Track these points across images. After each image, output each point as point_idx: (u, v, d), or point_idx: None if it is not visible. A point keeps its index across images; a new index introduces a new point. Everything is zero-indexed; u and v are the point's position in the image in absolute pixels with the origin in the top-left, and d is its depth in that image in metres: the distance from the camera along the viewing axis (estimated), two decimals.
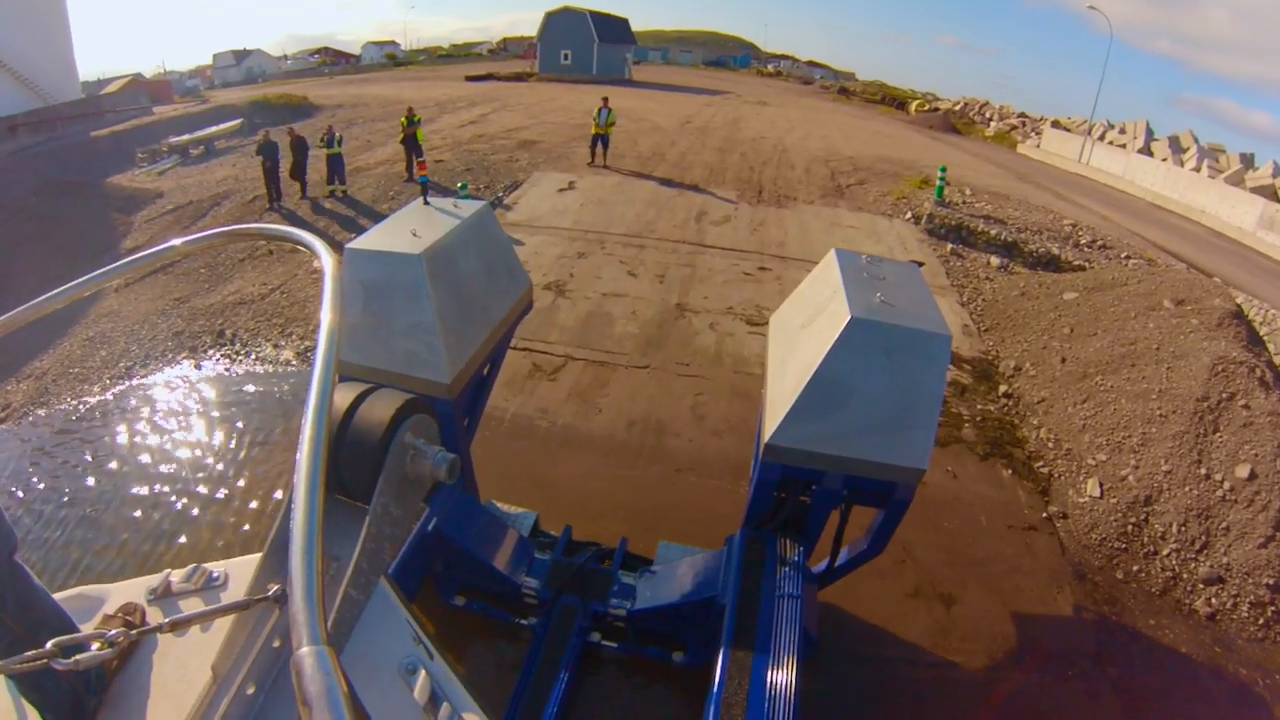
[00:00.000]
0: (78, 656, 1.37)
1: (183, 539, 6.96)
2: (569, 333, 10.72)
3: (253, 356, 10.39)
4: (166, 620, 1.58)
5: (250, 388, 9.70)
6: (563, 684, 4.92)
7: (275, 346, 10.59)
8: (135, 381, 9.96)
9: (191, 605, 1.96)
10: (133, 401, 9.45)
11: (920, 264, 13.51)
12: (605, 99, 20.53)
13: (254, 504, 7.42)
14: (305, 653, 0.98)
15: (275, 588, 1.71)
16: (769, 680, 3.84)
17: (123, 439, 8.65)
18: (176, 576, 2.06)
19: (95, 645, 1.48)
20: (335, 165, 17.49)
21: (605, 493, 7.37)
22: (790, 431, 4.34)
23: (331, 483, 1.92)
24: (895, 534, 4.85)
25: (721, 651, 4.04)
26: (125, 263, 2.22)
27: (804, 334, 4.81)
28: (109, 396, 9.62)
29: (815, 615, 4.60)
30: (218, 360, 10.37)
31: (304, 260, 13.25)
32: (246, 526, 7.10)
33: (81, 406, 9.43)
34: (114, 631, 1.51)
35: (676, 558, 5.76)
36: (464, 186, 17.05)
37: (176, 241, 2.21)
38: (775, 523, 5.02)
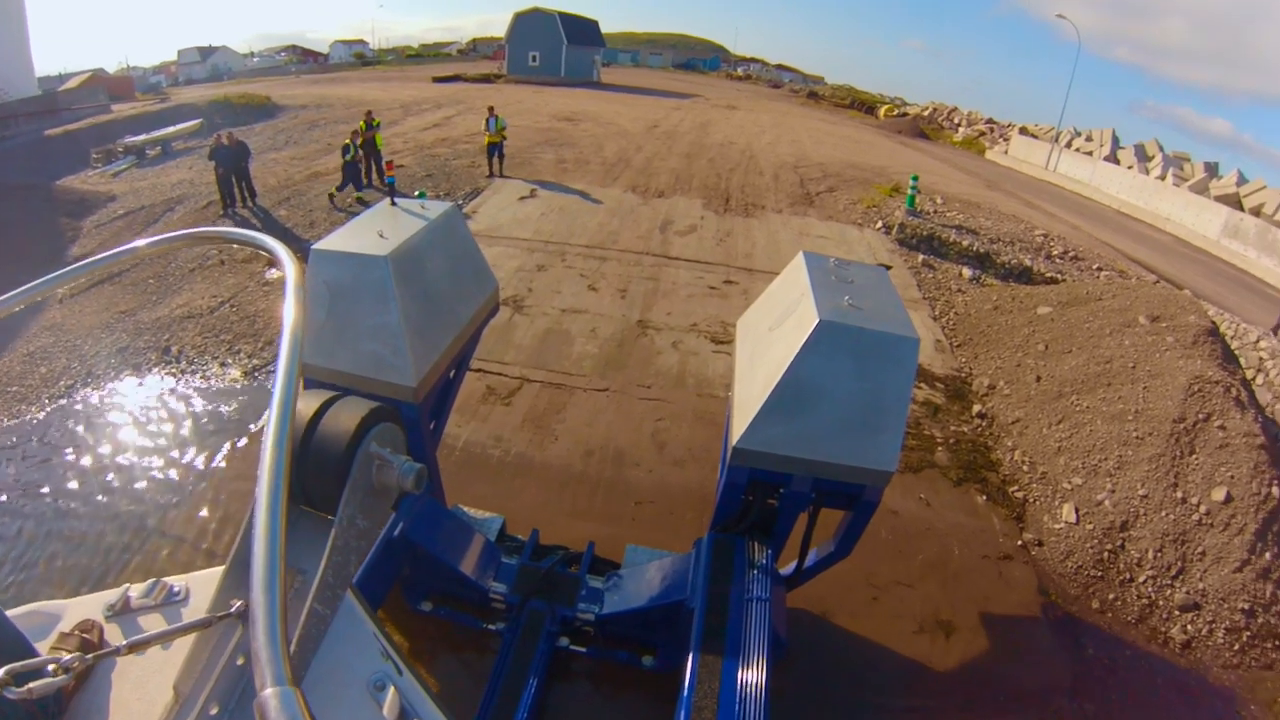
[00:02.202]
0: (31, 685, 1.28)
1: (132, 558, 6.63)
2: (525, 352, 10.25)
3: (199, 375, 9.82)
4: (125, 642, 1.47)
5: (196, 406, 9.15)
6: (532, 689, 4.89)
7: (222, 365, 10.00)
8: (76, 399, 9.37)
9: (151, 621, 1.88)
10: (72, 422, 8.89)
11: (888, 267, 13.33)
12: (491, 108, 19.62)
13: (200, 524, 7.07)
14: (269, 694, 0.94)
15: (238, 603, 1.65)
16: (740, 683, 3.84)
17: (64, 459, 8.14)
18: (135, 591, 1.95)
19: (51, 668, 1.37)
20: (352, 173, 17.06)
21: (563, 527, 6.91)
22: (758, 434, 4.34)
23: (296, 494, 1.89)
24: (868, 571, 5.20)
25: (691, 655, 4.04)
26: (86, 264, 2.08)
27: (772, 336, 4.81)
28: (44, 416, 9.06)
29: (784, 617, 4.59)
30: (163, 378, 9.79)
31: (255, 272, 12.71)
32: (201, 546, 6.81)
33: (20, 426, 8.87)
34: (69, 656, 1.39)
35: (644, 561, 5.80)
36: (422, 195, 16.45)
37: (140, 243, 2.09)
38: (743, 525, 5.00)
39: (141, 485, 7.67)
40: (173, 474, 7.83)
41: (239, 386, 9.58)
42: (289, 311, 1.57)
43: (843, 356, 4.23)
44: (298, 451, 1.83)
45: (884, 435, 4.30)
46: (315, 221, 15.77)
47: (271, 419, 1.29)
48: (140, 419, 8.90)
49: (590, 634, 5.48)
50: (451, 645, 5.70)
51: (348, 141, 16.95)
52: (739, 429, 4.42)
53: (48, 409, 9.16)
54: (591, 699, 5.51)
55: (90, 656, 1.44)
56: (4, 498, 7.49)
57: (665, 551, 5.98)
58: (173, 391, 9.50)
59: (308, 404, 1.91)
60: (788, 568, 5.38)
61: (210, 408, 9.10)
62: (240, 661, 1.64)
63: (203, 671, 1.63)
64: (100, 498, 7.49)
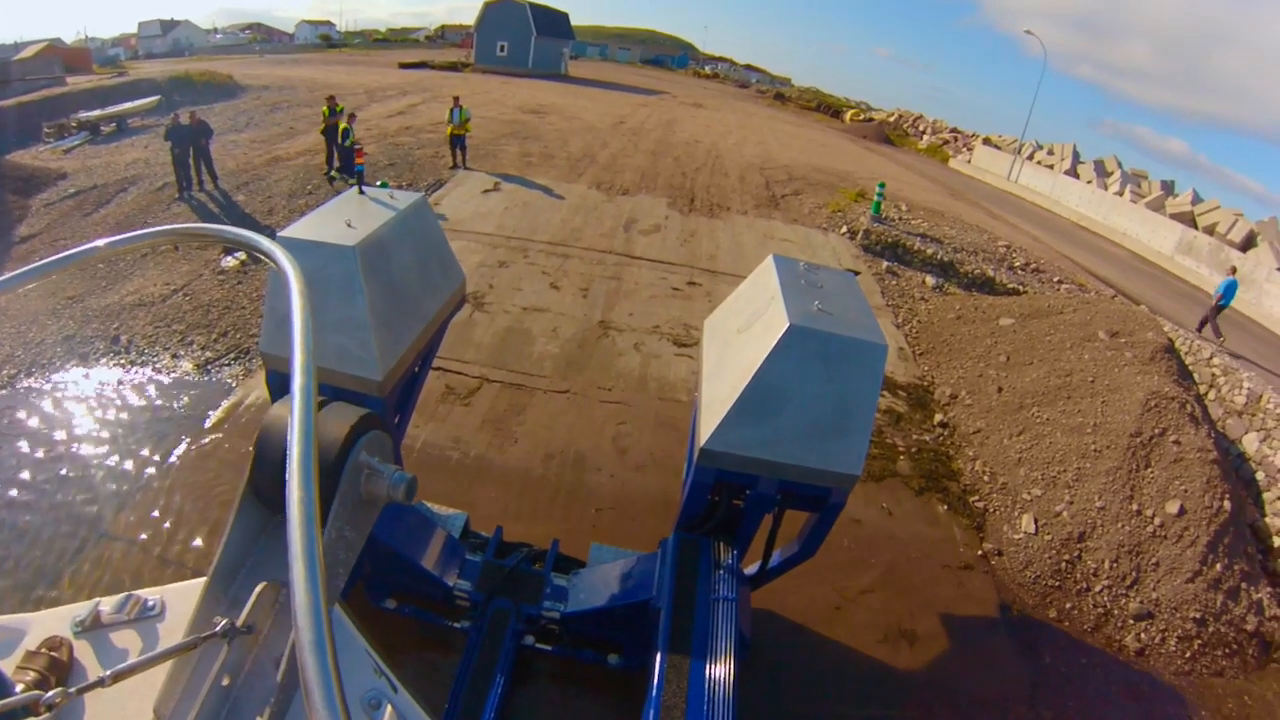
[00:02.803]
0: None
1: (80, 564, 6.35)
2: (485, 351, 10.02)
3: (149, 367, 9.45)
4: (109, 672, 1.37)
5: (147, 399, 8.82)
6: (499, 688, 4.88)
7: (174, 356, 9.65)
8: (19, 388, 8.99)
9: (124, 638, 1.77)
10: (15, 414, 8.53)
11: (856, 272, 13.32)
12: (456, 98, 19.34)
13: (153, 527, 6.80)
14: None
15: (223, 621, 1.55)
16: (707, 682, 3.86)
17: (8, 453, 7.80)
18: (107, 606, 1.83)
19: (23, 695, 1.32)
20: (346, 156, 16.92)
21: (520, 534, 6.74)
22: (726, 436, 4.34)
23: (278, 504, 1.74)
24: (831, 579, 5.23)
25: (659, 654, 4.05)
26: (53, 261, 1.87)
27: (741, 338, 4.81)
28: None
29: (749, 617, 4.66)
30: (110, 369, 9.41)
31: (210, 259, 12.30)
32: (154, 551, 6.55)
33: None
34: (51, 693, 1.31)
35: (609, 560, 5.83)
36: (384, 185, 16.09)
37: (100, 242, 1.94)
38: (709, 526, 5.02)
39: (86, 483, 7.38)
40: (120, 471, 7.54)
41: (191, 379, 9.25)
42: (297, 324, 1.41)
43: (812, 361, 4.25)
44: (282, 461, 1.65)
45: (850, 439, 4.34)
46: (274, 209, 15.37)
47: (293, 458, 1.15)
48: (87, 412, 8.57)
49: (555, 632, 5.46)
50: (416, 643, 5.64)
51: (345, 125, 16.87)
52: (706, 429, 4.42)
53: None
54: (558, 697, 5.49)
55: (74, 690, 1.33)
56: None
57: (630, 551, 5.99)
58: (120, 383, 9.15)
59: (289, 410, 1.79)
60: (752, 568, 5.38)
61: (161, 402, 8.78)
62: (225, 682, 1.55)
63: (185, 693, 1.53)
64: (42, 493, 7.20)
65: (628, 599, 5.08)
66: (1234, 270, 16.55)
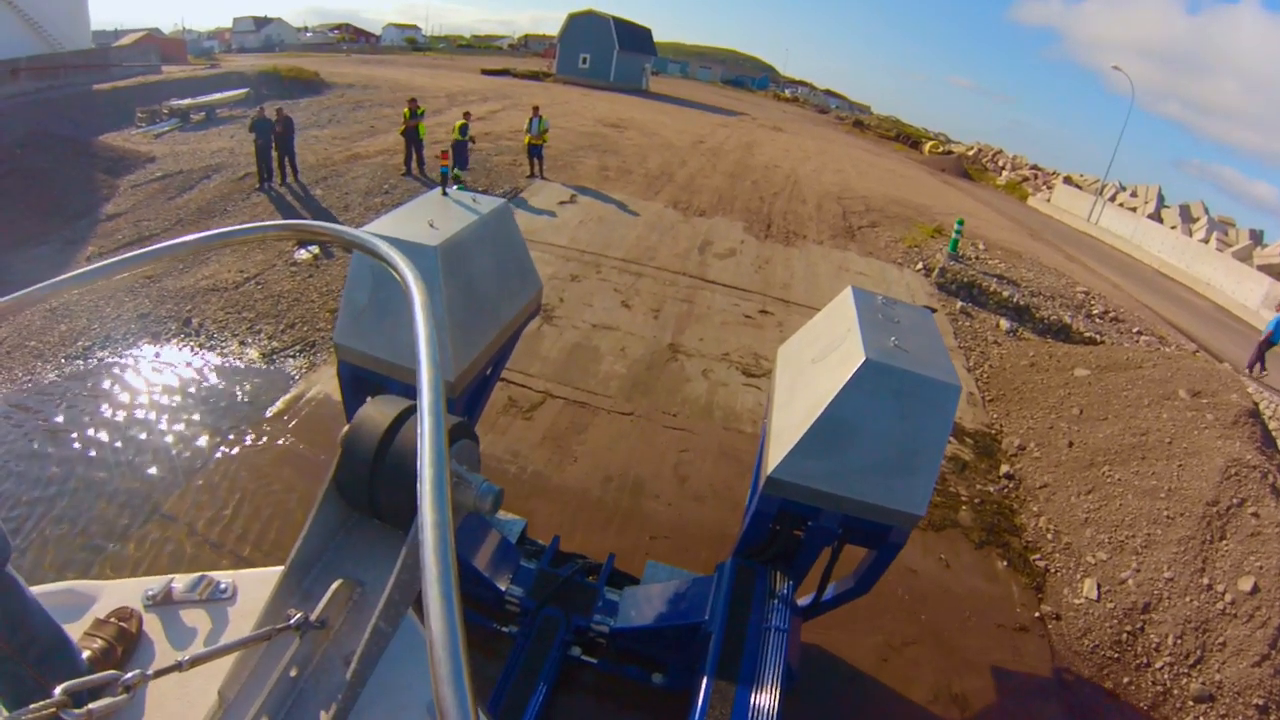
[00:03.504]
0: (91, 706, 1.22)
1: (143, 539, 6.57)
2: (552, 365, 10.09)
3: (217, 351, 9.79)
4: (187, 658, 1.40)
5: (210, 385, 9.11)
6: (541, 695, 4.89)
7: (241, 343, 9.98)
8: (92, 363, 9.38)
9: (194, 617, 1.84)
10: (85, 384, 8.92)
11: (933, 309, 13.09)
12: (536, 108, 19.40)
13: (220, 509, 7.01)
14: None
15: (297, 614, 1.58)
16: (751, 711, 3.84)
17: (78, 423, 8.15)
18: (180, 584, 1.90)
19: (101, 675, 1.31)
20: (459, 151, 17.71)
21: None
22: (793, 466, 4.33)
23: (364, 504, 1.82)
24: (882, 629, 5.24)
25: (705, 678, 4.05)
26: (169, 245, 1.81)
27: (815, 369, 4.82)
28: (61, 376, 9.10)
29: (798, 649, 4.61)
30: (180, 350, 9.78)
31: (284, 250, 12.67)
32: (209, 538, 6.70)
33: (34, 384, 8.92)
34: (130, 674, 1.32)
35: (664, 578, 5.82)
36: (461, 186, 16.38)
37: (215, 232, 1.87)
38: (767, 554, 5.02)
39: (144, 461, 7.65)
40: (173, 455, 7.79)
41: (256, 368, 9.54)
42: (422, 340, 1.30)
43: (885, 396, 4.23)
44: (373, 461, 1.75)
45: (917, 478, 4.30)
46: (350, 205, 15.76)
47: (425, 468, 1.12)
48: (151, 391, 8.90)
49: (603, 645, 5.47)
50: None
51: (462, 122, 17.91)
52: (774, 459, 4.41)
53: (64, 370, 9.20)
54: (597, 712, 5.52)
55: (152, 673, 1.36)
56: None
57: (685, 571, 6.01)
58: (189, 365, 9.50)
59: (383, 412, 1.82)
60: (805, 599, 5.37)
61: (224, 387, 9.07)
62: (294, 674, 1.57)
63: (252, 680, 1.56)
64: (103, 466, 7.49)
65: (679, 620, 5.07)
66: None
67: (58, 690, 1.21)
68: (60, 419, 8.19)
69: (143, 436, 8.00)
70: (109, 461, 7.56)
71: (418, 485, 1.10)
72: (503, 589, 5.40)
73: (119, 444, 7.83)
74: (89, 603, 1.85)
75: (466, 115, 18.39)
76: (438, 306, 4.35)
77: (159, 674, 1.38)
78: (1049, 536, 8.58)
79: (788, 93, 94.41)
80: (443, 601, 0.97)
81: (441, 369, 1.29)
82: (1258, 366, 16.55)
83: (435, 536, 1.02)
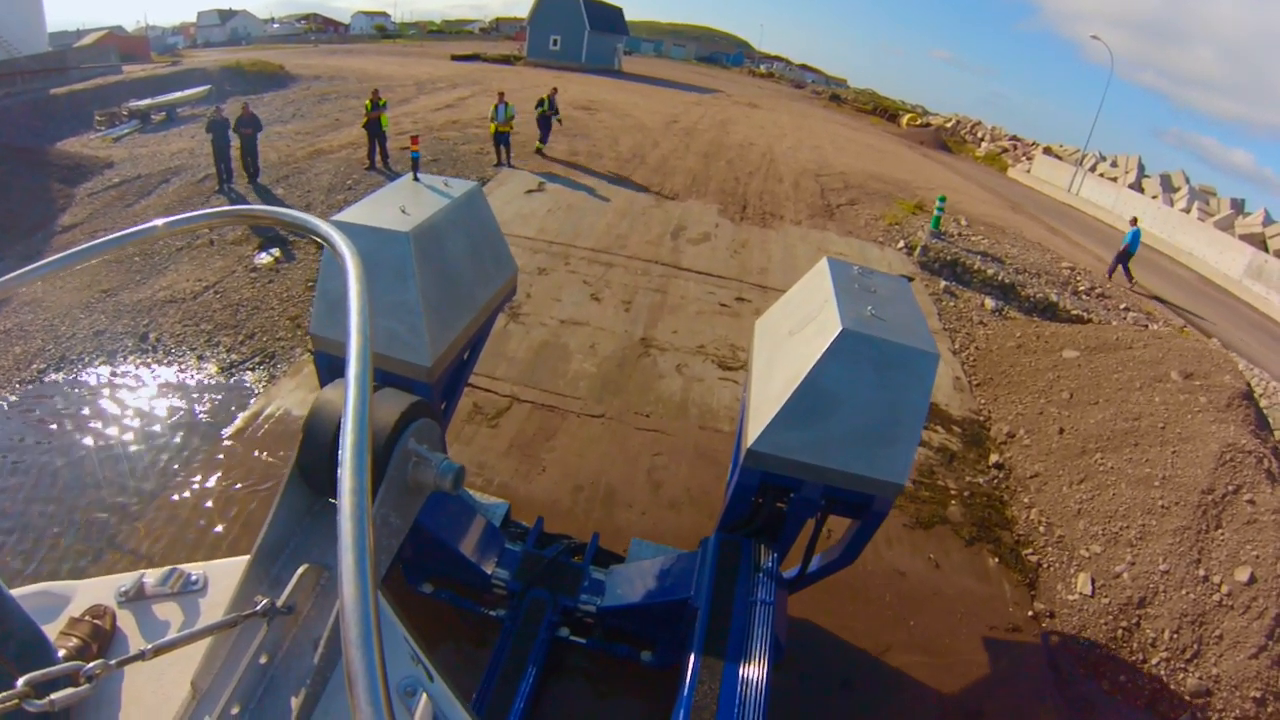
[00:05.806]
0: (53, 696, 1.21)
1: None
2: (519, 367, 9.63)
3: (174, 367, 9.32)
4: (150, 646, 1.38)
5: (168, 403, 8.65)
6: (530, 678, 4.94)
7: (199, 357, 9.48)
8: (46, 383, 8.96)
9: (166, 610, 1.84)
10: (43, 407, 8.53)
11: (910, 278, 12.77)
12: (502, 94, 18.94)
13: (177, 537, 6.69)
14: None
15: (264, 601, 1.58)
16: (740, 685, 3.87)
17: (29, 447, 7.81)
18: (151, 578, 1.89)
19: (65, 665, 1.30)
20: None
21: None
22: (773, 438, 4.36)
23: (326, 487, 1.85)
24: (872, 636, 5.26)
25: (693, 654, 4.08)
26: (108, 240, 1.81)
27: (792, 341, 4.83)
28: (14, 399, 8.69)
29: (784, 622, 4.61)
30: (136, 368, 9.30)
31: (244, 255, 12.19)
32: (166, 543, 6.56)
33: None
34: (92, 664, 1.31)
35: (648, 556, 5.89)
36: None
37: (159, 222, 1.85)
38: (751, 527, 5.02)
39: (102, 481, 7.32)
40: (127, 481, 7.36)
41: (214, 382, 9.07)
42: (354, 311, 1.32)
43: (863, 366, 4.27)
44: (333, 445, 1.73)
45: (897, 447, 4.34)
46: (312, 203, 15.25)
47: (348, 433, 1.11)
48: (106, 413, 8.45)
49: (590, 625, 5.53)
50: (450, 629, 5.73)
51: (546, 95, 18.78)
52: (754, 431, 4.44)
53: (18, 392, 8.78)
54: (588, 691, 5.55)
55: (115, 662, 1.36)
56: None
57: (669, 547, 6.09)
58: (144, 384, 9.06)
59: (341, 394, 1.59)
60: (790, 571, 5.36)
61: (182, 406, 8.61)
62: (263, 660, 1.57)
63: (223, 669, 1.57)
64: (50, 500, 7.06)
65: (665, 597, 5.12)
66: (1135, 221, 19.50)
67: (20, 682, 1.21)
68: (11, 456, 7.73)
69: (96, 463, 7.60)
70: (56, 496, 7.15)
71: (338, 448, 1.10)
72: (489, 573, 5.43)
73: (68, 474, 7.41)
74: (63, 603, 1.86)
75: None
76: (411, 293, 4.40)
77: (121, 663, 1.38)
78: (1041, 529, 8.30)
79: (763, 68, 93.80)
80: (356, 569, 0.98)
81: (372, 341, 1.30)
82: (1121, 275, 18.56)
83: (352, 503, 1.03)
